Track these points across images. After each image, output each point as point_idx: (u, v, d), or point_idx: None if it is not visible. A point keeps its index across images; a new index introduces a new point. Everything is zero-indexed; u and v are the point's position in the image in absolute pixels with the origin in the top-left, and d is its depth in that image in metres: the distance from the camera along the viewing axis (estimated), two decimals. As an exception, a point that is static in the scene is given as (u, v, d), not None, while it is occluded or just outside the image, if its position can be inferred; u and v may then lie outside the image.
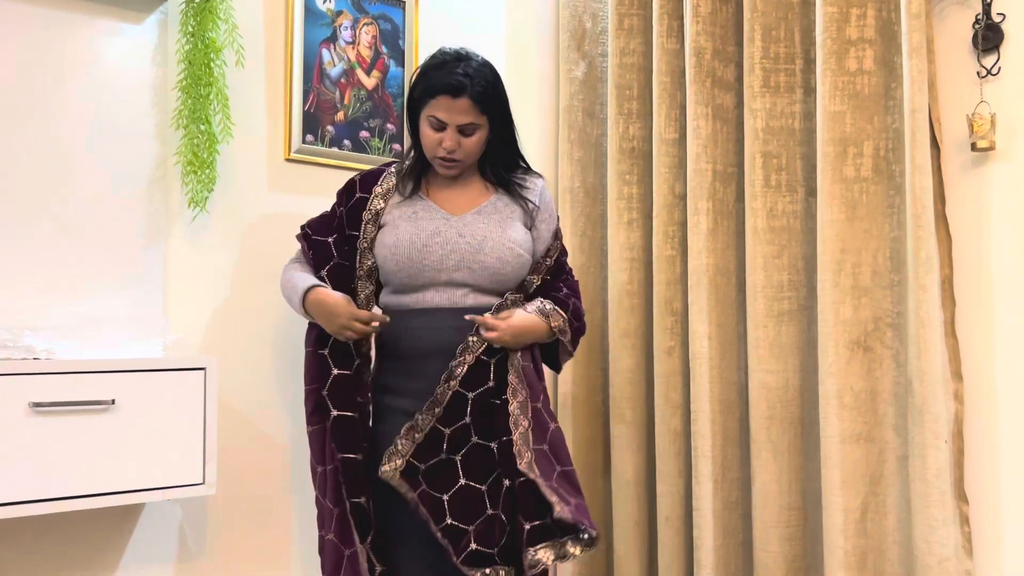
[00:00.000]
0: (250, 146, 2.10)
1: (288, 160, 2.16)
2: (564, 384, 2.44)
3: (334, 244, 1.85)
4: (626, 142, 2.40)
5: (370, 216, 1.85)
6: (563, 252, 1.98)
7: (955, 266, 1.86)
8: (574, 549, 1.68)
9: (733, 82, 2.19)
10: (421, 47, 2.36)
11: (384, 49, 2.32)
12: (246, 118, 2.09)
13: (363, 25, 2.28)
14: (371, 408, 1.86)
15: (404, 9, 2.36)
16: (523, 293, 1.87)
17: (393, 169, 1.92)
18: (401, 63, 2.34)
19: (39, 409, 1.58)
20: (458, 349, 1.75)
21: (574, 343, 1.93)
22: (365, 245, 1.84)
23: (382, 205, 1.86)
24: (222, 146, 1.99)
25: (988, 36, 1.82)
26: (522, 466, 1.70)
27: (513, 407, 1.75)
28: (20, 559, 1.78)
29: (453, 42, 1.87)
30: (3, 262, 1.77)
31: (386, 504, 1.78)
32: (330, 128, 2.22)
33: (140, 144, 1.95)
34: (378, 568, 1.78)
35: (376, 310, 1.90)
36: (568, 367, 2.38)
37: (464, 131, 1.78)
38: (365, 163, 2.25)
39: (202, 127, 1.95)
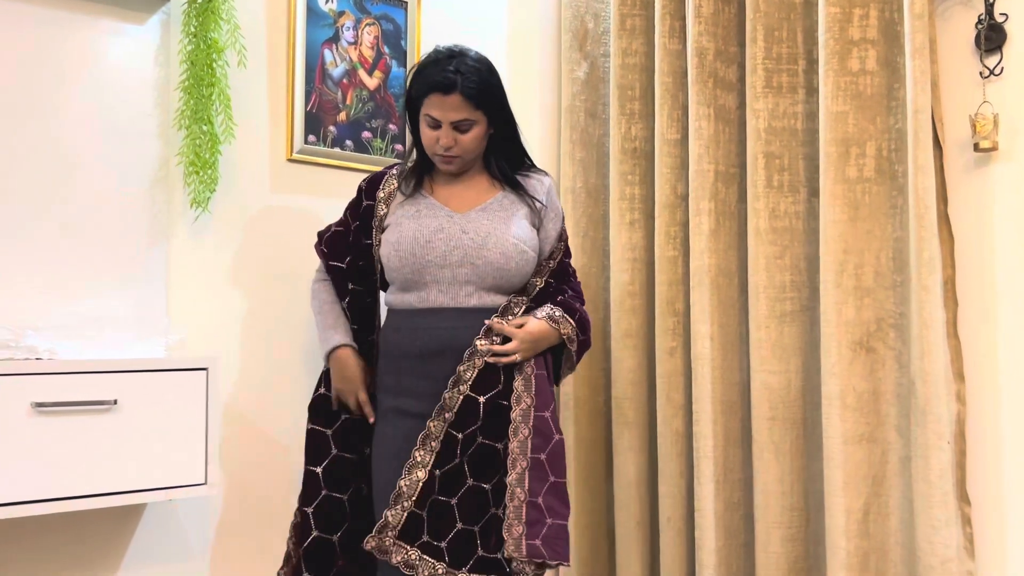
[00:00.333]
0: (252, 146, 2.10)
1: (290, 160, 2.16)
2: (566, 385, 2.44)
3: (348, 268, 1.89)
4: (628, 142, 2.40)
5: (377, 223, 1.87)
6: (567, 253, 1.97)
7: (958, 267, 1.86)
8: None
9: (735, 82, 2.19)
10: (423, 47, 2.35)
11: (386, 49, 2.32)
12: (248, 118, 2.09)
13: (365, 25, 2.28)
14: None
15: (406, 9, 2.36)
16: (526, 295, 1.86)
17: (394, 171, 1.93)
18: (403, 63, 2.34)
19: (41, 409, 1.58)
20: (466, 353, 1.75)
21: (578, 356, 1.91)
22: (377, 249, 1.87)
23: (385, 210, 1.87)
24: (224, 146, 2.00)
25: (991, 36, 1.82)
26: (511, 478, 1.70)
27: (515, 414, 1.74)
28: (22, 559, 1.78)
29: (455, 42, 1.86)
30: (5, 262, 1.78)
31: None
32: (332, 128, 2.22)
33: (142, 144, 1.95)
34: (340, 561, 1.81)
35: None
36: (570, 367, 2.38)
37: (459, 127, 1.78)
38: (367, 163, 2.25)
39: (204, 127, 1.95)
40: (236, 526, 2.05)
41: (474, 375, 1.74)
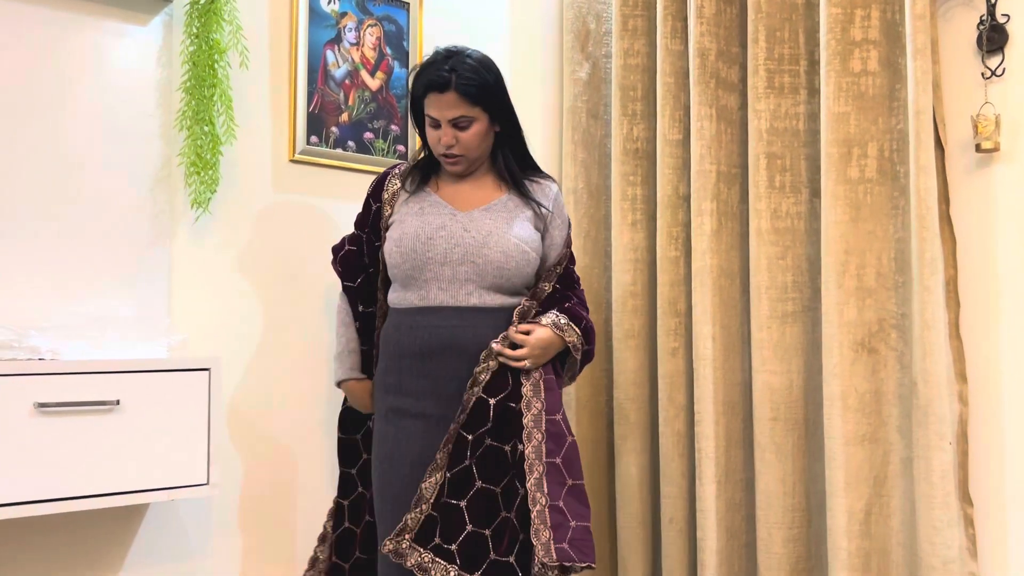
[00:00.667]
0: (254, 147, 2.11)
1: (292, 161, 2.16)
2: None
3: (360, 287, 1.95)
4: (630, 143, 2.40)
5: (383, 223, 1.89)
6: (571, 260, 1.97)
7: (959, 267, 1.86)
8: None
9: (737, 83, 2.19)
10: (425, 48, 2.36)
11: (388, 50, 2.32)
12: (250, 119, 2.09)
13: (367, 26, 2.29)
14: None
15: (408, 11, 2.36)
16: (536, 300, 1.86)
17: (397, 171, 1.93)
18: (405, 64, 2.34)
19: (44, 409, 1.59)
20: (482, 355, 1.75)
21: (581, 365, 1.91)
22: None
23: (389, 211, 1.88)
24: (226, 147, 2.00)
25: (993, 37, 1.82)
26: (530, 483, 1.69)
27: (527, 419, 1.74)
28: (25, 559, 1.78)
29: (457, 43, 1.87)
30: (8, 262, 1.78)
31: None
32: (334, 129, 2.22)
33: (145, 145, 1.96)
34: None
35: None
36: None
37: (458, 125, 1.78)
38: (369, 164, 2.26)
39: (206, 128, 1.95)
40: (238, 526, 2.05)
41: (487, 378, 1.74)
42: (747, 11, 2.09)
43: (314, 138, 2.18)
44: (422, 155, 1.92)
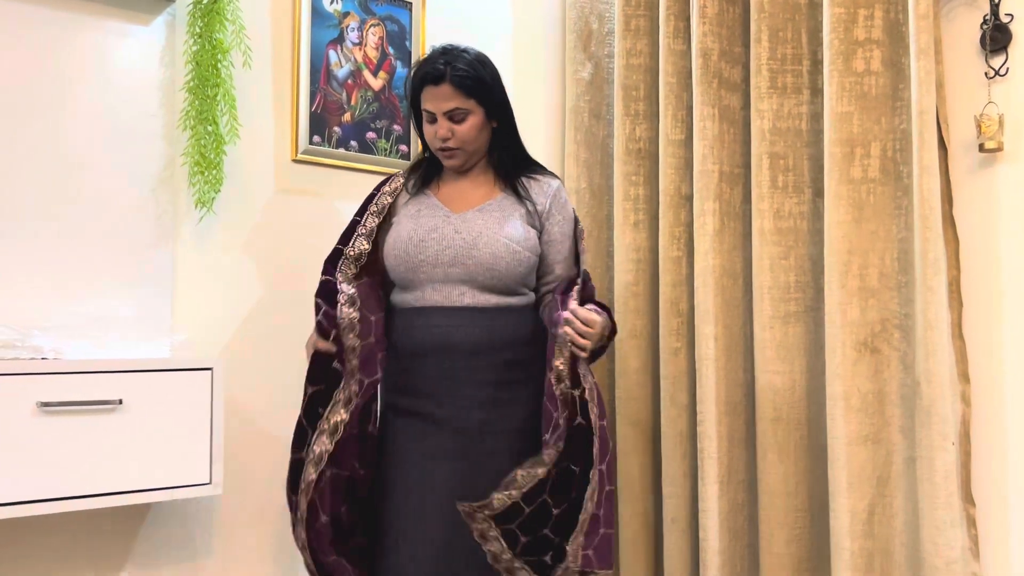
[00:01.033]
0: (257, 147, 2.11)
1: (295, 161, 2.16)
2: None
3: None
4: (632, 143, 2.40)
5: (376, 209, 1.87)
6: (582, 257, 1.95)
7: (963, 267, 1.86)
8: None
9: (740, 83, 2.19)
10: (428, 48, 2.35)
11: (391, 50, 2.32)
12: (253, 119, 2.09)
13: (370, 26, 2.29)
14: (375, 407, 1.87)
15: (411, 10, 2.36)
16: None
17: (400, 173, 1.95)
18: (408, 64, 2.34)
19: (47, 409, 1.59)
20: (556, 348, 1.72)
21: (593, 358, 1.87)
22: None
23: (389, 200, 1.88)
24: (229, 147, 2.00)
25: (996, 37, 1.82)
26: (588, 492, 1.70)
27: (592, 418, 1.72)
28: (27, 558, 1.79)
29: (459, 43, 1.87)
30: (11, 262, 1.78)
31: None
32: (337, 129, 2.22)
33: (148, 145, 1.96)
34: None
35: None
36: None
37: (453, 117, 1.79)
38: (372, 164, 2.26)
39: (209, 128, 1.95)
40: (241, 526, 2.05)
41: (566, 370, 1.70)
42: (750, 11, 2.09)
43: (317, 138, 2.18)
44: (423, 156, 1.93)
